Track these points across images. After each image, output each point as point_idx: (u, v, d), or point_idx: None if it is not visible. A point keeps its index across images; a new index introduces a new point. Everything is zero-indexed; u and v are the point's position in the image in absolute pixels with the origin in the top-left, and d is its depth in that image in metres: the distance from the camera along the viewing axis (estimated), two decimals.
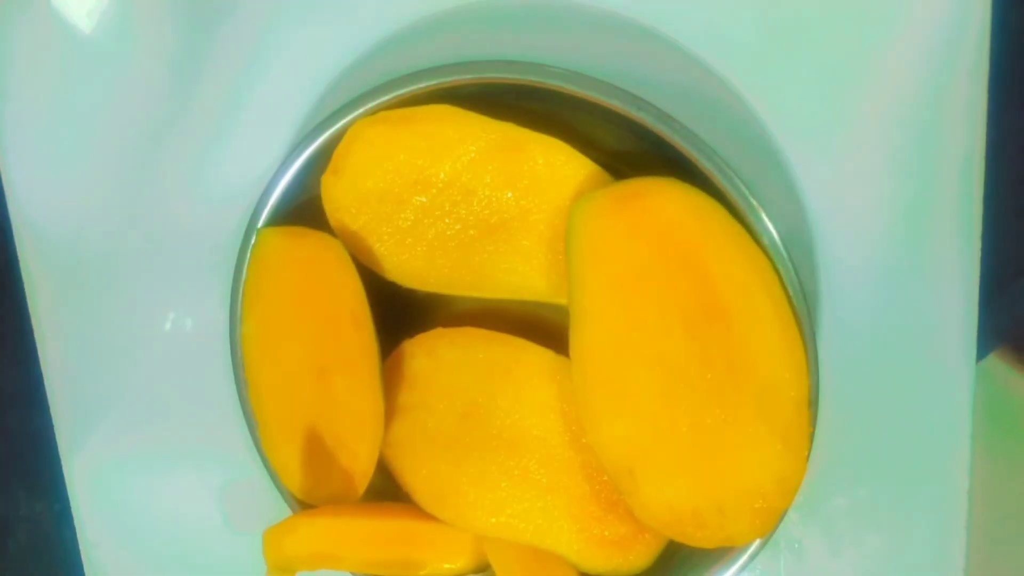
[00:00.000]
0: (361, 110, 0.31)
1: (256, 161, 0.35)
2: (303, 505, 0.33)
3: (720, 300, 0.28)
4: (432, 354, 0.32)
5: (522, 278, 0.31)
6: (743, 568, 0.31)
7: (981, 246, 0.34)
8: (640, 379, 0.29)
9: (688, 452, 0.29)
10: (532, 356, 0.32)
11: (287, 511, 0.33)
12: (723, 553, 0.31)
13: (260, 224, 0.32)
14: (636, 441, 0.29)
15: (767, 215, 0.30)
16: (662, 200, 0.29)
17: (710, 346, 0.28)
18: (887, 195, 0.34)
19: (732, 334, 0.28)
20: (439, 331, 0.32)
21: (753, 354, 0.28)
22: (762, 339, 0.28)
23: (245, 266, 0.32)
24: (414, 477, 0.32)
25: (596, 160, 0.30)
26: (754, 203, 0.30)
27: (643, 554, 0.31)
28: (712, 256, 0.28)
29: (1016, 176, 0.36)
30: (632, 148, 0.32)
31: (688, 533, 0.29)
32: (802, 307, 0.30)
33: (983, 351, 0.35)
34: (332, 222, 0.31)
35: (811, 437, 0.29)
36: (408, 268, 0.31)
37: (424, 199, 0.31)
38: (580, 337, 0.29)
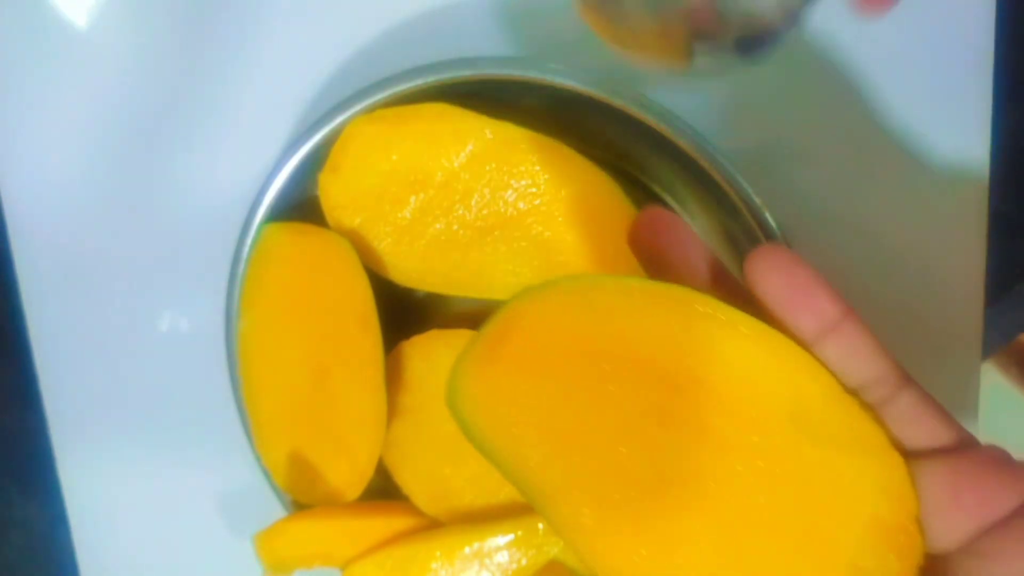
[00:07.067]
0: (358, 107, 0.30)
1: (252, 159, 0.35)
2: (298, 505, 0.33)
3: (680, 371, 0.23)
4: (428, 357, 0.32)
5: (520, 279, 0.31)
6: None
7: (987, 245, 0.34)
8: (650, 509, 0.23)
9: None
10: None
11: (283, 511, 0.33)
12: None
13: (257, 222, 0.32)
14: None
15: (770, 214, 0.29)
16: (536, 326, 0.23)
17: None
18: (892, 194, 0.34)
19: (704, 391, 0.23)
20: (435, 333, 0.32)
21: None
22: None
23: (242, 263, 0.32)
24: (412, 478, 0.32)
25: (598, 159, 0.30)
26: (758, 201, 0.29)
27: None
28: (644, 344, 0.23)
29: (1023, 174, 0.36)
30: (634, 146, 0.32)
31: None
32: None
33: (988, 351, 0.35)
34: (330, 220, 0.31)
35: None
36: (405, 267, 0.31)
37: (422, 198, 0.30)
38: (560, 517, 0.23)
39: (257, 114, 0.36)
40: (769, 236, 0.29)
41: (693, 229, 0.24)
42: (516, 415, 0.23)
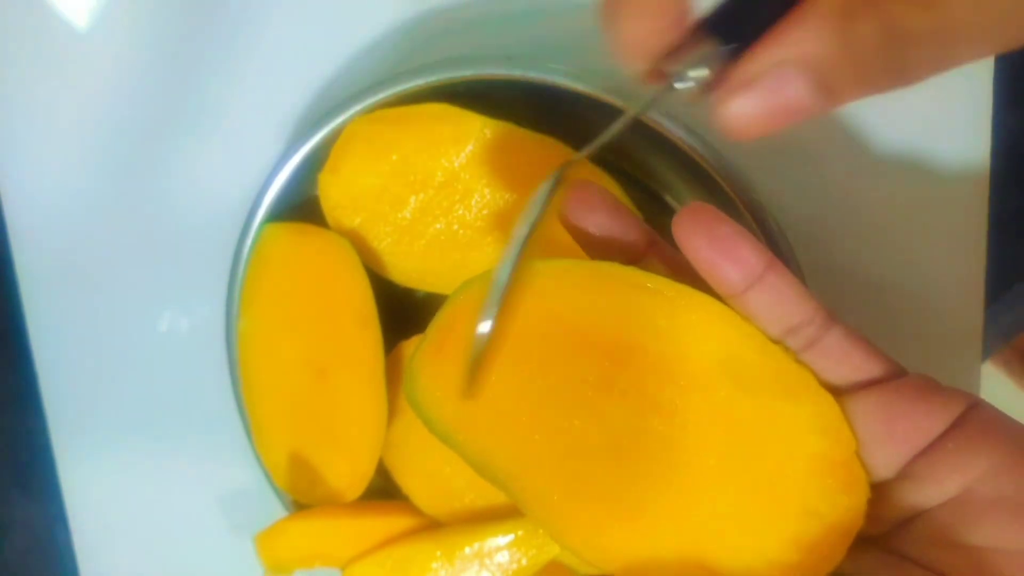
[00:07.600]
0: (358, 107, 0.30)
1: (253, 159, 0.35)
2: (298, 505, 0.33)
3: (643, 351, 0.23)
4: None
5: None
6: None
7: (987, 245, 0.34)
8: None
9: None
10: None
11: (283, 511, 0.33)
12: None
13: (257, 223, 0.32)
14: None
15: (771, 214, 0.29)
16: (477, 316, 0.23)
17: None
18: (892, 194, 0.34)
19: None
20: None
21: None
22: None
23: (242, 264, 0.32)
24: (412, 478, 0.32)
25: (598, 159, 0.30)
26: (758, 201, 0.29)
27: None
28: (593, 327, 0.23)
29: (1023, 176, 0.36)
30: (634, 147, 0.32)
31: None
32: None
33: (989, 351, 0.35)
34: (330, 220, 0.31)
35: None
36: (406, 267, 0.31)
37: (422, 198, 0.30)
38: (530, 498, 0.24)
39: (257, 114, 0.36)
40: (769, 236, 0.29)
41: (617, 201, 0.24)
42: (472, 404, 0.23)
